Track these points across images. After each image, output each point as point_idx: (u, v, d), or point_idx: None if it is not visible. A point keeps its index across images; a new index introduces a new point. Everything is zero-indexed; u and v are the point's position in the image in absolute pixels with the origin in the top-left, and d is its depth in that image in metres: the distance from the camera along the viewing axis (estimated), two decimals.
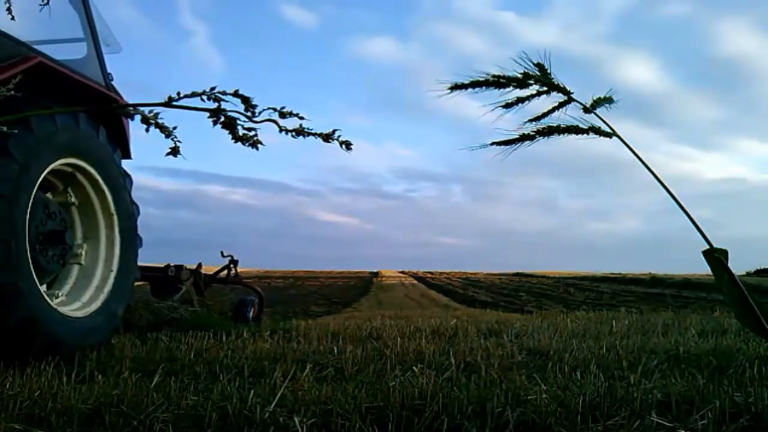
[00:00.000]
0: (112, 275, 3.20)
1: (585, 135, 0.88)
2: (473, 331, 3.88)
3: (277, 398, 1.74)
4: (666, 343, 2.98)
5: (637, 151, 0.85)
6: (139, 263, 3.57)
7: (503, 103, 0.91)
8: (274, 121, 1.16)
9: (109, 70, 3.50)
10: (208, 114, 1.15)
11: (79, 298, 3.08)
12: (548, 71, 0.87)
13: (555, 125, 0.89)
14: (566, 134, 0.89)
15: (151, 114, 1.10)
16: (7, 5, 2.02)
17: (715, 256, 0.91)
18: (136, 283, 3.77)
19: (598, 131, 0.88)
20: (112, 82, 3.54)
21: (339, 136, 1.27)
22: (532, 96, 0.90)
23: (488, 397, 1.73)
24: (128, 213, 3.36)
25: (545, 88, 0.88)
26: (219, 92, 1.12)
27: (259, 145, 1.19)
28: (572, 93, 0.89)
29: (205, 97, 1.12)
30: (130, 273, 3.36)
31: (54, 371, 2.26)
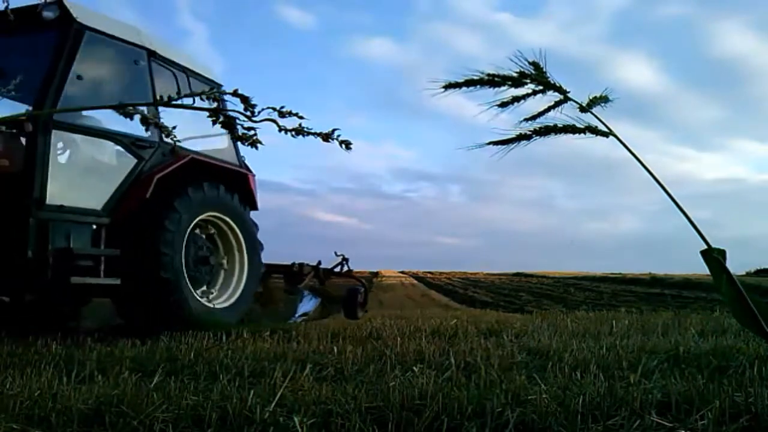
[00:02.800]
0: (245, 276, 4.88)
1: (582, 134, 0.88)
2: (473, 331, 3.88)
3: (277, 398, 1.74)
4: (666, 343, 2.97)
5: (634, 151, 0.85)
6: (272, 262, 5.74)
7: (498, 102, 0.91)
8: (274, 121, 1.17)
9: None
10: (207, 114, 1.15)
11: (226, 292, 4.79)
12: (544, 70, 0.87)
13: (552, 125, 0.89)
14: (563, 134, 0.89)
15: (151, 114, 1.10)
16: (6, 5, 2.05)
17: (714, 257, 0.91)
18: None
19: (594, 131, 0.88)
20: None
21: (338, 136, 1.27)
22: (528, 95, 0.90)
23: (488, 397, 1.73)
24: (251, 236, 5.01)
25: (541, 87, 0.88)
26: (218, 92, 1.12)
27: (258, 145, 1.20)
28: (568, 92, 0.89)
29: (204, 97, 1.12)
30: (255, 273, 5.00)
31: (54, 371, 2.27)
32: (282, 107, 1.17)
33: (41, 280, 3.59)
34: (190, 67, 4.79)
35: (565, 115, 0.91)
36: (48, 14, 3.53)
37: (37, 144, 3.53)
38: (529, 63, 0.87)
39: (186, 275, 4.21)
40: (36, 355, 2.85)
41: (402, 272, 74.14)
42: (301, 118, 1.18)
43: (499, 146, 0.92)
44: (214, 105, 1.13)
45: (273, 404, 1.68)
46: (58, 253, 3.59)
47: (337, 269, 6.80)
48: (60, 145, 3.97)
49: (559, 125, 0.90)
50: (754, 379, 1.97)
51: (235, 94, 1.12)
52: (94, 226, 3.90)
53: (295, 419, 1.55)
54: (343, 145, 1.34)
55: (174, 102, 1.09)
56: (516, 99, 0.91)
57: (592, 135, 0.88)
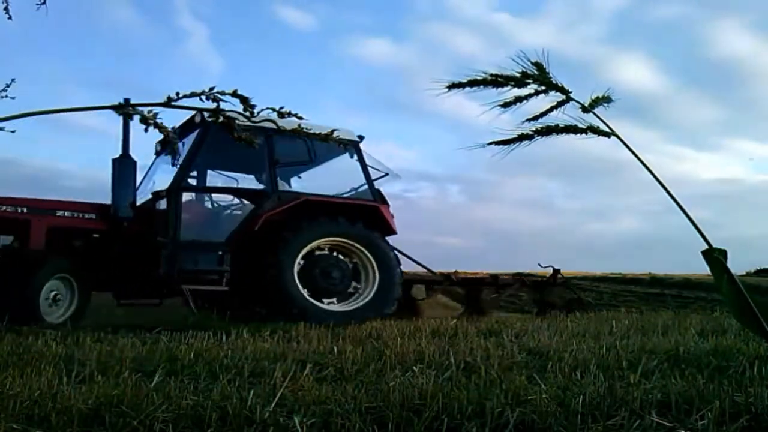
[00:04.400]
0: (375, 287, 5.97)
1: (583, 135, 0.88)
2: (473, 331, 3.88)
3: (277, 398, 1.74)
4: (666, 343, 2.97)
5: (636, 151, 0.85)
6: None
7: (501, 103, 0.91)
8: (273, 121, 1.17)
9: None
10: (207, 114, 1.15)
11: (356, 298, 5.97)
12: (546, 70, 0.87)
13: (553, 125, 0.89)
14: (565, 134, 0.89)
15: (150, 114, 1.10)
16: (5, 5, 2.05)
17: (715, 256, 0.91)
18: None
19: (596, 131, 0.88)
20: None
21: (337, 136, 1.27)
22: (531, 95, 0.90)
23: (488, 397, 1.73)
24: (381, 254, 6.06)
25: (543, 88, 0.87)
26: (218, 92, 1.12)
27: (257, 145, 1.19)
28: (571, 92, 0.89)
29: (204, 97, 1.12)
30: (387, 285, 6.03)
31: (54, 371, 2.26)
32: (281, 107, 1.17)
33: (171, 289, 5.55)
34: (298, 128, 6.00)
35: (567, 115, 0.91)
36: (196, 119, 5.57)
37: (171, 201, 5.54)
38: (532, 63, 0.87)
39: (298, 283, 5.59)
40: (36, 354, 2.85)
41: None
42: (300, 118, 1.18)
43: (501, 146, 0.92)
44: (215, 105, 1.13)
45: (273, 404, 1.68)
46: (181, 272, 5.50)
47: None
48: (190, 197, 6.09)
49: (561, 125, 0.90)
50: (754, 379, 1.97)
51: (234, 94, 1.12)
52: (219, 252, 5.69)
53: (295, 419, 1.55)
54: (342, 146, 1.34)
55: (173, 103, 1.09)
56: (519, 99, 0.90)
57: (594, 135, 0.88)
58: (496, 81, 0.88)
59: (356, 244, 5.99)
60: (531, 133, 0.90)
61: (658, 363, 2.38)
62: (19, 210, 5.13)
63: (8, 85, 1.93)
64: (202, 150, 5.73)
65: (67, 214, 5.37)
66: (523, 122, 0.91)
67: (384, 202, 6.35)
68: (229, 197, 6.42)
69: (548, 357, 2.63)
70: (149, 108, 1.10)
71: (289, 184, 6.66)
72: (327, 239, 5.87)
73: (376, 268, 6.03)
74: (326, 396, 1.81)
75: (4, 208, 5.05)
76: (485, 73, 0.88)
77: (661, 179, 0.85)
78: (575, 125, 0.89)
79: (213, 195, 6.53)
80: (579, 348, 2.80)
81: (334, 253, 6.01)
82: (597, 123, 0.90)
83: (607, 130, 0.88)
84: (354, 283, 6.04)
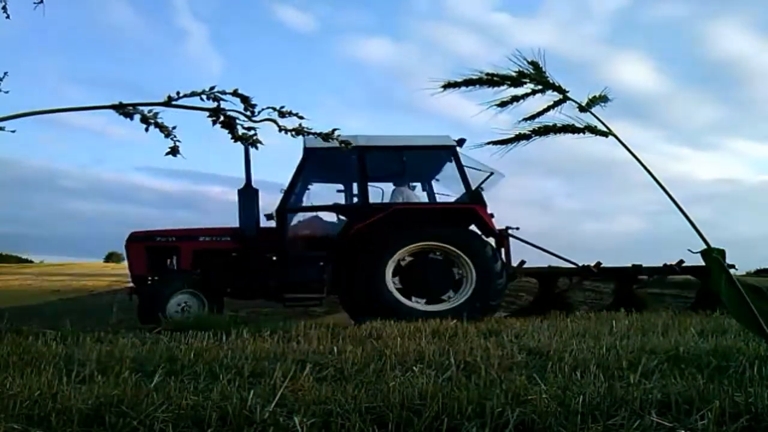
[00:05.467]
0: (471, 286, 6.18)
1: (581, 134, 0.88)
2: (473, 331, 3.88)
3: (277, 398, 1.74)
4: (666, 343, 2.97)
5: (633, 151, 0.85)
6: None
7: (498, 102, 0.91)
8: (274, 121, 1.17)
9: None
10: (207, 113, 1.15)
11: (454, 297, 6.27)
12: (543, 70, 0.87)
13: (551, 124, 0.89)
14: (562, 133, 0.89)
15: (151, 114, 1.10)
16: (3, 5, 2.05)
17: (714, 257, 0.91)
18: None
19: (594, 130, 0.88)
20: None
21: (338, 136, 1.27)
22: (527, 95, 0.90)
23: (488, 397, 1.73)
24: (477, 254, 6.28)
25: (540, 87, 0.87)
26: (218, 92, 1.12)
27: (258, 144, 1.19)
28: (568, 92, 0.88)
29: (204, 97, 1.12)
30: (486, 284, 6.20)
31: (54, 371, 2.27)
32: (282, 107, 1.16)
33: (277, 297, 6.50)
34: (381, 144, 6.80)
35: (564, 114, 0.90)
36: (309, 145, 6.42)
37: (280, 221, 6.45)
38: (528, 63, 0.87)
39: (390, 282, 6.17)
40: (36, 354, 2.85)
41: None
42: (301, 118, 1.18)
43: (499, 146, 0.92)
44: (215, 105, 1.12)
45: (273, 404, 1.68)
46: (283, 281, 6.38)
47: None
48: (297, 216, 6.84)
49: (558, 125, 0.89)
50: (754, 379, 1.97)
51: (235, 94, 1.12)
52: (321, 263, 6.41)
53: (295, 419, 1.55)
54: (343, 145, 1.34)
55: (174, 102, 1.09)
56: (515, 98, 0.90)
57: (591, 135, 0.88)
58: (492, 80, 0.88)
59: (449, 246, 6.36)
60: (528, 132, 0.90)
61: (658, 363, 2.38)
62: (170, 239, 6.61)
63: (0, 79, 1.93)
64: (304, 172, 6.62)
65: (207, 238, 6.65)
66: (520, 122, 0.91)
67: (479, 202, 6.59)
68: (328, 213, 7.15)
69: (548, 357, 2.63)
70: (149, 108, 1.10)
71: (402, 197, 7.13)
72: (416, 245, 6.35)
73: (471, 266, 6.29)
74: (326, 396, 1.81)
75: (159, 239, 6.61)
76: (481, 72, 0.88)
77: (659, 179, 0.85)
78: (573, 125, 0.89)
79: (316, 212, 7.23)
80: (579, 348, 2.80)
81: (430, 255, 6.41)
82: (594, 122, 0.89)
83: (605, 129, 0.88)
84: (451, 283, 6.39)
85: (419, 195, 7.33)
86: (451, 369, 2.26)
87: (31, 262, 41.08)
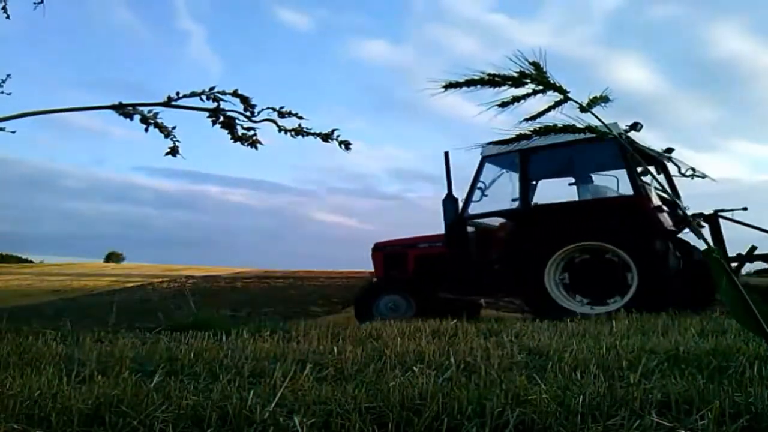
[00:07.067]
0: (633, 290, 5.96)
1: (582, 135, 0.88)
2: (473, 331, 3.88)
3: (277, 398, 1.74)
4: (666, 343, 2.97)
5: (632, 151, 0.85)
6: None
7: (498, 102, 0.91)
8: (273, 121, 1.17)
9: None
10: (207, 114, 1.15)
11: (617, 298, 6.12)
12: (544, 70, 0.87)
13: (552, 124, 0.89)
14: (563, 134, 0.89)
15: (151, 114, 1.10)
16: (2, 5, 2.05)
17: (714, 256, 0.91)
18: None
19: (594, 131, 0.88)
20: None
21: (338, 136, 1.27)
22: (528, 95, 0.90)
23: (488, 397, 1.72)
24: (638, 252, 5.93)
25: (541, 87, 0.87)
26: (218, 92, 1.12)
27: (258, 145, 1.19)
28: (568, 92, 0.89)
29: (204, 97, 1.12)
30: (650, 283, 5.87)
31: (54, 371, 2.27)
32: (282, 107, 1.17)
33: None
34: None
35: (565, 115, 0.91)
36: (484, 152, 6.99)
37: (455, 231, 7.18)
38: (529, 63, 0.87)
39: (552, 283, 6.28)
40: (36, 354, 2.85)
41: None
42: (300, 118, 1.18)
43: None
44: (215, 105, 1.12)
45: (273, 404, 1.68)
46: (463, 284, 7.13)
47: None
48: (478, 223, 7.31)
49: (559, 125, 0.90)
50: (754, 379, 1.97)
51: (235, 94, 1.12)
52: (496, 267, 6.92)
53: (295, 419, 1.55)
54: (343, 146, 1.34)
55: (173, 103, 1.09)
56: (516, 99, 0.90)
57: (592, 135, 0.88)
58: (494, 81, 0.88)
59: (609, 246, 6.16)
60: (529, 132, 0.90)
61: (658, 363, 2.38)
62: (397, 248, 7.63)
63: (3, 81, 1.93)
64: (478, 180, 7.07)
65: (426, 245, 7.39)
66: (521, 122, 0.91)
67: (641, 194, 6.02)
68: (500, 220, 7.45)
69: (548, 357, 2.63)
70: (149, 108, 1.10)
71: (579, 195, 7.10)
72: (579, 244, 6.28)
73: (632, 264, 6.03)
74: (326, 396, 1.81)
75: (393, 247, 7.67)
76: (482, 72, 0.88)
77: (657, 178, 0.85)
78: (573, 125, 0.89)
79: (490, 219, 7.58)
80: (579, 348, 2.80)
81: (606, 255, 6.23)
82: (595, 123, 0.90)
83: (605, 129, 0.88)
84: (619, 287, 6.19)
85: (610, 188, 6.89)
86: (451, 369, 2.26)
87: (31, 262, 41.09)
